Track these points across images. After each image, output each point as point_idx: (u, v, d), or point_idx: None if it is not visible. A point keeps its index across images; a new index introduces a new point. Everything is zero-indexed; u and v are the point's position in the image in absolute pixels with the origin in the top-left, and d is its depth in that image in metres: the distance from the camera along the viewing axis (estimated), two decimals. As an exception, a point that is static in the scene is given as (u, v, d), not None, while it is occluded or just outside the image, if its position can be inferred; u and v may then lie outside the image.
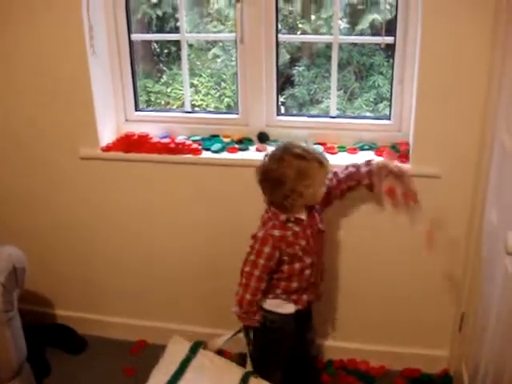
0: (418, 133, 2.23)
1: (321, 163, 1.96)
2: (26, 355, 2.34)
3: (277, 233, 2.01)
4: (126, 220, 2.64)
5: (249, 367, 2.11)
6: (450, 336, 2.54)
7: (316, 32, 5.02)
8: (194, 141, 2.50)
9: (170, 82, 5.50)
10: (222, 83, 5.55)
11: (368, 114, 5.06)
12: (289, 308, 2.14)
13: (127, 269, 2.75)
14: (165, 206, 2.57)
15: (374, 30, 4.82)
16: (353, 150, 2.41)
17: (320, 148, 2.41)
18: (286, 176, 1.94)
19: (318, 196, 2.03)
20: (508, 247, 1.53)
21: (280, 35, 2.42)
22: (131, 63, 2.56)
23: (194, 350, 2.16)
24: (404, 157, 2.32)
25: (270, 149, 2.40)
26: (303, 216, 2.05)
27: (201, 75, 5.48)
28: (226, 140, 2.52)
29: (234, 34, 2.42)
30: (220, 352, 2.25)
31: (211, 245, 2.59)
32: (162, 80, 5.53)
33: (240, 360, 2.21)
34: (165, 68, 5.55)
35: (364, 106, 5.14)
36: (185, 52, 2.53)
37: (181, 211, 2.56)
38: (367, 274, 2.49)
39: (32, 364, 2.39)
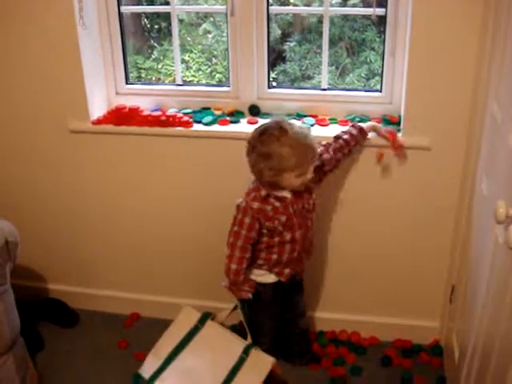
0: (408, 105, 2.23)
1: (313, 149, 2.01)
2: (20, 329, 2.34)
3: (255, 205, 2.06)
4: (117, 193, 2.63)
5: (249, 339, 2.14)
6: (441, 307, 2.57)
7: (308, 6, 4.98)
8: (185, 114, 2.49)
9: (161, 58, 5.45)
10: (214, 59, 5.51)
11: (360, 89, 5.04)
12: (269, 278, 2.22)
13: (119, 242, 2.75)
14: (156, 180, 2.56)
15: (366, 4, 4.79)
16: (344, 122, 2.40)
17: (311, 121, 2.42)
18: (278, 153, 1.96)
19: (291, 183, 2.05)
20: (497, 216, 1.53)
21: (271, 7, 2.40)
22: (121, 36, 2.53)
23: (202, 321, 2.21)
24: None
25: (262, 121, 2.41)
26: (286, 194, 2.08)
27: (192, 51, 5.44)
28: (218, 113, 2.51)
29: (224, 7, 2.40)
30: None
31: (202, 218, 2.60)
32: (153, 56, 5.48)
33: (234, 331, 2.24)
34: (155, 44, 5.50)
35: (356, 82, 5.12)
36: (175, 24, 2.51)
37: (172, 184, 2.56)
38: (358, 246, 2.51)
39: (25, 338, 2.39)
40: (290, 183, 2.04)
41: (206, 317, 2.21)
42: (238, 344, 2.12)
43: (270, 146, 1.97)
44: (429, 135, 2.23)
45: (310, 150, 2.00)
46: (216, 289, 2.65)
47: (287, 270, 2.21)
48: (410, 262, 2.50)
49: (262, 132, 2.00)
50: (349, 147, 2.22)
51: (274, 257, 2.17)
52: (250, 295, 2.17)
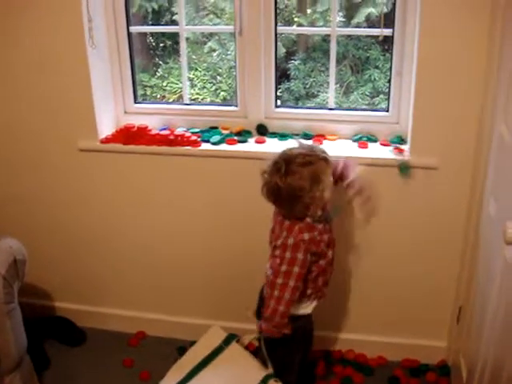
0: (416, 124, 2.24)
1: (325, 160, 1.93)
2: (27, 347, 2.34)
3: (306, 236, 1.93)
4: (126, 211, 2.64)
5: (270, 369, 2.13)
6: (448, 328, 2.56)
7: (312, 26, 5.02)
8: (193, 133, 2.50)
9: (166, 75, 5.50)
10: (218, 77, 5.55)
11: (365, 107, 5.09)
12: (309, 308, 2.12)
13: (127, 260, 2.75)
14: (164, 198, 2.57)
15: (370, 23, 4.83)
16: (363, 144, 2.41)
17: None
18: (302, 188, 1.87)
19: (328, 197, 1.97)
20: (507, 237, 1.54)
21: (279, 27, 2.42)
22: (130, 55, 2.56)
23: (227, 342, 2.24)
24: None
25: (270, 140, 2.43)
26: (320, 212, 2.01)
27: (196, 69, 5.49)
28: (225, 132, 2.52)
29: (232, 27, 2.42)
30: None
31: (211, 236, 2.60)
32: (158, 74, 5.53)
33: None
34: (160, 62, 5.55)
35: (360, 100, 5.16)
36: (183, 44, 2.53)
37: (180, 203, 2.56)
38: (365, 266, 2.51)
39: (31, 356, 2.39)
40: (329, 191, 1.96)
41: (231, 338, 2.25)
42: (258, 371, 2.12)
43: (310, 171, 1.88)
44: (436, 155, 2.24)
45: (322, 154, 1.95)
46: (224, 308, 2.68)
47: (325, 289, 2.13)
48: (418, 282, 2.50)
49: (288, 172, 1.88)
50: None
51: (320, 282, 2.07)
52: (288, 331, 2.01)
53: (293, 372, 2.21)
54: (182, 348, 2.70)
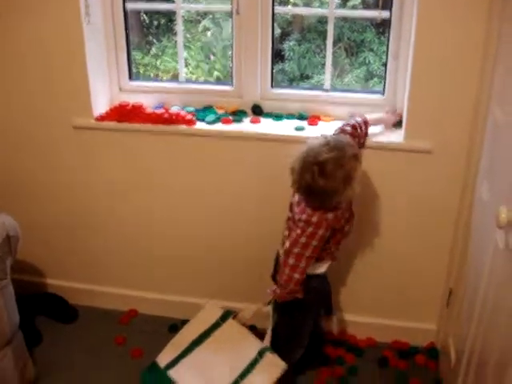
0: (411, 108, 2.24)
1: (355, 156, 1.96)
2: (19, 323, 2.34)
3: (330, 216, 2.00)
4: (120, 189, 2.63)
5: (267, 342, 2.16)
6: (438, 311, 2.58)
7: (308, 6, 4.98)
8: (188, 112, 2.49)
9: (160, 54, 5.45)
10: (212, 56, 5.51)
11: (360, 89, 5.07)
12: (323, 267, 2.19)
13: (120, 239, 2.76)
14: (158, 177, 2.57)
15: (365, 5, 4.79)
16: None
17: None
18: (335, 190, 1.92)
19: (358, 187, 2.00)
20: (499, 221, 1.55)
21: (276, 6, 2.41)
22: (126, 33, 2.53)
23: (224, 318, 2.27)
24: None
25: (264, 121, 2.42)
26: None
27: (190, 48, 5.44)
28: (220, 112, 2.51)
29: (230, 6, 2.40)
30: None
31: (204, 215, 2.60)
32: (152, 52, 5.48)
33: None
34: (154, 40, 5.49)
35: (354, 83, 5.14)
36: (180, 22, 2.52)
37: (174, 182, 2.56)
38: (356, 248, 2.52)
39: (23, 333, 2.39)
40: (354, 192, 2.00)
41: (227, 314, 2.28)
42: (254, 345, 2.16)
43: (343, 171, 1.91)
44: (431, 139, 2.24)
45: (353, 151, 1.99)
46: (216, 287, 2.70)
47: (337, 252, 2.21)
48: (409, 265, 2.52)
49: (322, 171, 1.90)
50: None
51: (333, 248, 2.15)
52: (300, 295, 2.10)
53: (304, 337, 2.27)
54: (173, 326, 2.72)
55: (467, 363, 1.94)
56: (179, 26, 2.53)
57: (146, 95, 2.58)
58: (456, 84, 2.15)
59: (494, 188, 1.85)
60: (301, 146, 1.98)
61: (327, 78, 2.49)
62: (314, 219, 1.99)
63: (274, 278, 2.24)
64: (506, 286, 1.57)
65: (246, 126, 2.44)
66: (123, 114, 2.47)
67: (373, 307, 2.64)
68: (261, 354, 2.14)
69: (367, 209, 2.42)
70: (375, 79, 4.98)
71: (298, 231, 2.02)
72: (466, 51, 2.10)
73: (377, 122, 2.31)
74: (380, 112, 2.36)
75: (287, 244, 2.06)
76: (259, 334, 2.29)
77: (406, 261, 2.51)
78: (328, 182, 1.90)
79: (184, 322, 2.67)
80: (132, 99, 2.54)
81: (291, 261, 2.03)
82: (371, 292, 2.62)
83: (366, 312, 2.66)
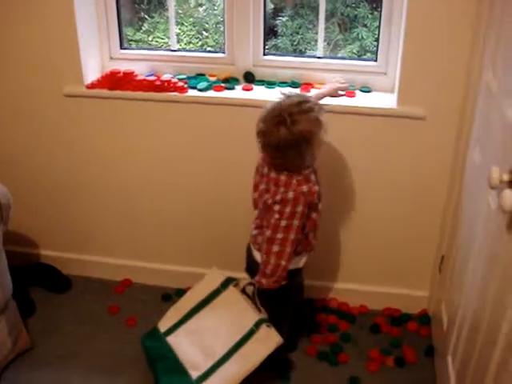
0: (404, 74, 2.23)
1: (320, 106, 1.96)
2: (12, 292, 2.35)
3: (305, 188, 1.95)
4: (112, 157, 2.62)
5: (263, 314, 2.16)
6: (430, 277, 2.60)
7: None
8: (180, 79, 2.47)
9: (151, 30, 5.40)
10: (205, 32, 5.46)
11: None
12: (301, 262, 2.17)
13: (112, 208, 2.75)
14: (149, 145, 2.56)
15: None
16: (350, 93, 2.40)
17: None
18: (312, 132, 1.90)
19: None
20: (491, 181, 1.54)
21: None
22: (116, 1, 2.51)
23: (225, 285, 2.25)
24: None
25: (257, 88, 2.41)
26: None
27: (183, 23, 5.39)
28: (212, 79, 2.50)
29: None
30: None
31: (197, 183, 2.60)
32: (143, 28, 5.43)
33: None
34: (146, 16, 5.44)
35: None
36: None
37: (166, 150, 2.55)
38: (347, 214, 2.52)
39: (17, 303, 2.40)
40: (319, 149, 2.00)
41: (228, 282, 2.26)
42: (251, 315, 2.15)
43: (314, 116, 1.91)
44: (423, 105, 2.24)
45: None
46: (210, 255, 2.71)
47: (314, 241, 2.17)
48: (401, 231, 2.53)
49: (293, 121, 1.87)
50: None
51: (311, 235, 2.10)
52: (285, 282, 2.06)
53: (287, 322, 2.27)
54: (166, 295, 2.74)
55: (459, 329, 1.95)
56: (171, 1, 2.51)
57: (137, 63, 2.56)
58: (449, 49, 2.14)
59: (485, 151, 1.85)
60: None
61: (320, 44, 2.48)
62: (290, 195, 1.95)
63: (247, 270, 2.24)
64: (498, 246, 1.57)
65: (238, 93, 2.42)
66: (114, 81, 2.45)
67: (365, 275, 2.66)
68: (257, 325, 2.13)
69: (358, 175, 2.42)
70: (368, 54, 4.96)
71: (276, 215, 1.97)
72: (458, 17, 2.09)
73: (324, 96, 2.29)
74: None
75: (267, 232, 2.01)
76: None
77: (397, 227, 2.51)
78: (303, 125, 1.87)
79: (178, 291, 2.72)
80: (123, 67, 2.52)
81: (276, 248, 1.99)
82: (363, 260, 2.63)
83: (358, 280, 2.67)
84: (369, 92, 2.41)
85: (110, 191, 2.71)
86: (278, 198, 1.96)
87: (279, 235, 1.98)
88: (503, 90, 1.69)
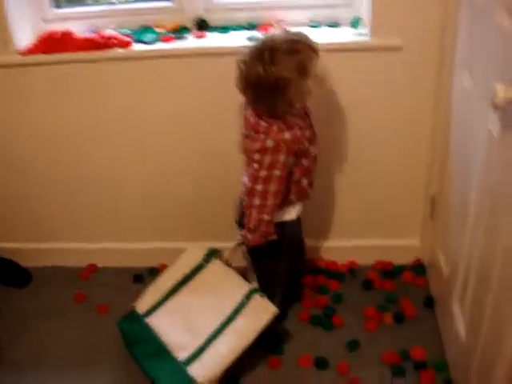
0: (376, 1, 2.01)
1: (313, 49, 1.72)
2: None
3: (287, 135, 1.76)
4: (58, 131, 2.34)
5: (254, 284, 2.00)
6: (421, 223, 2.42)
7: None
8: (124, 34, 2.20)
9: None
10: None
11: None
12: (292, 213, 1.99)
13: (65, 189, 2.49)
14: (100, 113, 2.29)
15: None
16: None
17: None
18: (288, 80, 1.67)
19: (309, 92, 1.78)
20: (496, 101, 1.35)
21: None
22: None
23: (207, 258, 2.11)
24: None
25: (211, 35, 2.17)
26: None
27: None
28: (160, 31, 2.23)
29: None
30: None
31: (157, 149, 2.36)
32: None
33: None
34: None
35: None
36: None
37: (117, 115, 2.29)
38: (324, 161, 2.25)
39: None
40: (308, 92, 1.77)
41: (211, 254, 2.12)
42: (240, 287, 2.01)
43: (297, 60, 1.68)
44: (400, 33, 2.00)
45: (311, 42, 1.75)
46: (183, 227, 2.50)
47: (310, 190, 1.98)
48: (384, 177, 2.33)
49: (272, 61, 1.67)
50: None
51: (305, 182, 1.91)
52: (274, 237, 1.89)
53: (280, 282, 2.10)
54: (138, 276, 2.52)
55: (466, 272, 1.78)
56: None
57: (74, 23, 2.27)
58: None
59: (479, 72, 1.65)
60: None
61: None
62: (270, 143, 1.75)
63: (238, 222, 2.01)
64: (506, 177, 1.38)
65: (190, 42, 2.17)
66: (51, 44, 2.17)
67: (350, 229, 2.46)
68: (248, 296, 1.97)
69: (335, 118, 2.20)
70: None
71: (255, 165, 1.78)
72: None
73: None
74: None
75: (248, 183, 1.83)
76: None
77: (380, 172, 2.31)
78: (280, 68, 1.66)
79: (151, 270, 2.53)
80: (60, 28, 2.23)
81: (257, 201, 1.81)
82: (346, 213, 2.43)
83: (344, 235, 2.48)
84: (337, 27, 2.18)
85: (59, 169, 2.44)
86: (257, 145, 1.77)
87: (259, 187, 1.80)
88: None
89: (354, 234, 2.46)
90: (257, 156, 1.77)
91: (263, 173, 1.77)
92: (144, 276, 2.50)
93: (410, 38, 2.02)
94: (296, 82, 1.69)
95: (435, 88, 2.10)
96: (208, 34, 2.20)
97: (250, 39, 2.09)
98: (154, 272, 2.45)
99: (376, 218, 2.42)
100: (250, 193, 1.82)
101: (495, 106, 1.37)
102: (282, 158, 1.75)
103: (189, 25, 2.25)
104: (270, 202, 1.81)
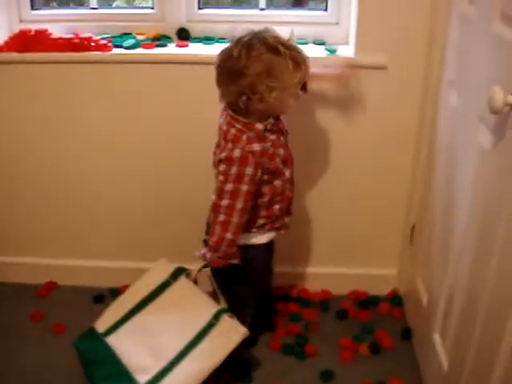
0: (361, 17, 1.97)
1: (297, 65, 1.62)
2: None
3: (257, 147, 1.66)
4: (24, 134, 2.22)
5: (223, 303, 1.86)
6: (399, 253, 2.34)
7: None
8: (103, 38, 2.13)
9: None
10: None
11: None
12: (262, 238, 1.86)
13: (24, 200, 2.35)
14: (70, 117, 2.18)
15: None
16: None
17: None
18: (248, 67, 1.58)
19: (284, 107, 1.70)
20: (494, 104, 1.29)
21: None
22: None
23: (175, 276, 1.95)
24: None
25: (193, 45, 2.13)
26: (271, 121, 1.73)
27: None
28: (140, 38, 2.16)
29: None
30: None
31: (132, 158, 2.25)
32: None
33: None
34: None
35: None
36: None
37: (91, 123, 2.18)
38: (303, 183, 2.19)
39: None
40: (288, 106, 1.70)
41: (179, 271, 1.95)
42: (209, 306, 1.85)
43: (270, 59, 1.59)
44: (385, 51, 1.98)
45: (307, 61, 1.67)
46: (150, 247, 2.39)
47: (287, 219, 1.88)
48: (362, 203, 2.25)
49: (249, 46, 1.60)
50: None
51: (277, 207, 1.81)
52: (236, 261, 1.77)
53: (248, 308, 1.96)
54: (98, 296, 2.37)
55: (447, 302, 1.70)
56: None
57: (52, 25, 2.17)
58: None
59: (468, 86, 1.60)
60: None
61: (262, -6, 2.20)
62: (237, 153, 1.64)
63: (204, 242, 1.88)
64: (500, 193, 1.31)
65: (171, 49, 2.11)
66: (25, 42, 2.07)
67: (324, 256, 2.36)
68: (217, 316, 1.82)
69: (313, 140, 2.13)
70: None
71: (221, 177, 1.67)
72: None
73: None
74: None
75: (212, 197, 1.72)
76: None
77: (357, 198, 2.24)
78: (248, 52, 1.59)
79: (112, 291, 2.38)
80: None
81: (221, 217, 1.69)
82: (321, 239, 2.34)
83: (317, 262, 2.37)
84: (324, 45, 2.14)
85: (24, 176, 2.30)
86: (224, 155, 1.66)
87: (224, 202, 1.68)
88: (487, 10, 1.45)
89: (328, 261, 2.36)
90: (223, 167, 1.67)
91: (229, 186, 1.67)
92: (105, 296, 2.35)
93: (396, 56, 1.99)
94: (256, 77, 1.60)
95: (420, 108, 2.06)
96: (190, 44, 2.14)
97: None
98: (116, 293, 2.29)
99: (352, 246, 2.34)
100: (215, 208, 1.71)
101: (492, 111, 1.31)
102: (249, 170, 1.65)
103: (171, 33, 2.19)
104: (235, 219, 1.69)
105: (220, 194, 1.68)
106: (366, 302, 2.33)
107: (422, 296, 2.01)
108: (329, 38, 2.17)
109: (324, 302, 2.34)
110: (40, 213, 2.37)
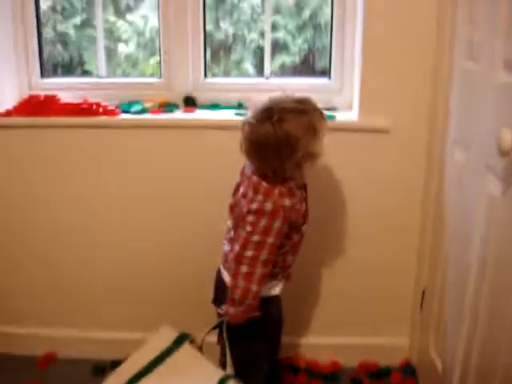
0: (364, 83, 2.02)
1: (320, 111, 1.68)
2: None
3: (287, 202, 1.65)
4: (29, 200, 2.23)
5: (229, 369, 1.79)
6: (410, 322, 2.28)
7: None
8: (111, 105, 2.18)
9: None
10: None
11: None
12: (276, 289, 1.83)
13: (26, 268, 2.33)
14: (78, 181, 2.19)
15: None
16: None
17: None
18: (298, 139, 1.60)
19: (322, 151, 1.70)
20: (503, 144, 1.31)
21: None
22: (37, 22, 2.25)
23: (178, 343, 1.87)
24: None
25: (200, 112, 2.15)
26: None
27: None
28: (148, 105, 2.20)
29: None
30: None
31: (138, 224, 2.24)
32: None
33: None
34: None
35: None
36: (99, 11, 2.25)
37: (98, 186, 2.20)
38: (311, 253, 2.14)
39: None
40: (321, 150, 1.69)
41: (183, 338, 1.87)
42: (214, 373, 1.77)
43: (306, 120, 1.62)
44: (388, 115, 2.02)
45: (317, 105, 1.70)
46: (151, 318, 2.24)
47: (291, 270, 1.85)
48: (372, 271, 2.22)
49: (280, 119, 1.61)
50: None
51: (290, 259, 1.79)
52: (257, 313, 1.71)
53: (259, 368, 1.88)
54: (99, 368, 2.30)
55: (462, 368, 1.64)
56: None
57: (61, 93, 2.23)
58: (411, 48, 1.97)
59: (475, 141, 1.61)
60: None
61: (267, 64, 2.26)
62: (268, 207, 1.63)
63: (215, 302, 1.87)
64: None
65: (178, 115, 2.15)
66: (34, 107, 2.12)
67: (334, 326, 2.30)
68: (223, 382, 1.74)
69: (320, 202, 2.12)
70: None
71: (249, 228, 1.65)
72: (419, 12, 1.93)
73: None
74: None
75: (236, 247, 1.69)
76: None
77: (365, 263, 2.21)
78: (290, 125, 1.59)
79: (113, 363, 2.28)
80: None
81: (244, 268, 1.65)
82: (329, 309, 2.29)
83: (327, 332, 2.31)
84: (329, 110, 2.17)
85: (25, 243, 2.29)
86: (254, 206, 1.64)
87: (248, 253, 1.64)
88: (489, 62, 1.50)
89: (337, 331, 2.30)
90: (250, 218, 1.65)
91: (256, 237, 1.64)
92: (106, 369, 2.26)
93: (399, 120, 2.03)
94: (307, 142, 1.61)
95: (426, 170, 2.06)
96: (197, 110, 2.19)
97: (238, 114, 2.07)
98: (118, 365, 2.22)
99: (361, 315, 2.29)
100: (238, 259, 1.67)
101: (501, 153, 1.32)
102: (278, 224, 1.63)
103: (178, 101, 2.24)
104: (259, 270, 1.65)
105: (245, 244, 1.65)
106: (378, 373, 2.25)
107: (437, 363, 1.94)
108: (334, 105, 2.20)
109: (334, 374, 2.26)
110: (40, 281, 2.34)
